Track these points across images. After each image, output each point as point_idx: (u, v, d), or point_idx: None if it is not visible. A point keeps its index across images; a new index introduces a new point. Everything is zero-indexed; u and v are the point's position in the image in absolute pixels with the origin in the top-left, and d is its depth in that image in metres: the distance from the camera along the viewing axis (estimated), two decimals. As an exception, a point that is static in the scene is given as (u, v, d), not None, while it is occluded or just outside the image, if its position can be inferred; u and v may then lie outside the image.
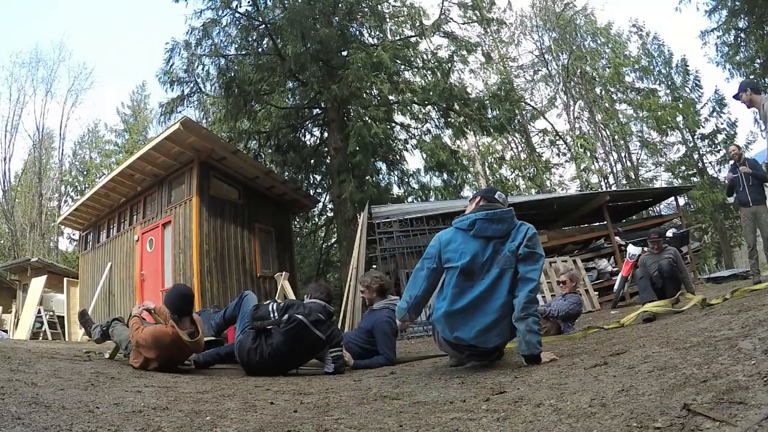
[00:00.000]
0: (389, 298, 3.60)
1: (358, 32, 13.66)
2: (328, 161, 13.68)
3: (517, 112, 17.83)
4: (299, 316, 3.00)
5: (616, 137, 24.37)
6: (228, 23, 12.46)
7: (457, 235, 2.44)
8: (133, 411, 1.58)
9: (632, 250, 7.11)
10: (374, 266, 8.89)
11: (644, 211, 14.19)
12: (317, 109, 13.73)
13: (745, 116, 38.83)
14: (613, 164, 25.28)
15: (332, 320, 3.27)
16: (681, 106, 22.06)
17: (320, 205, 15.41)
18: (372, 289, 3.61)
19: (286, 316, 3.01)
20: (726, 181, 6.31)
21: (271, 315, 3.08)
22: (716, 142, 21.85)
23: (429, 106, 13.28)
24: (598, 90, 24.74)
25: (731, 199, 6.13)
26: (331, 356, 3.09)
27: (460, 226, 2.46)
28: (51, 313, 10.93)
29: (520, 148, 25.11)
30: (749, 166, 5.66)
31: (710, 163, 22.31)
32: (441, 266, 2.42)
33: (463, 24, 15.07)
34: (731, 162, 6.13)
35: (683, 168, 23.20)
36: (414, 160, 63.35)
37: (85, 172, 26.56)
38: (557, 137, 24.14)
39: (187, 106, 12.92)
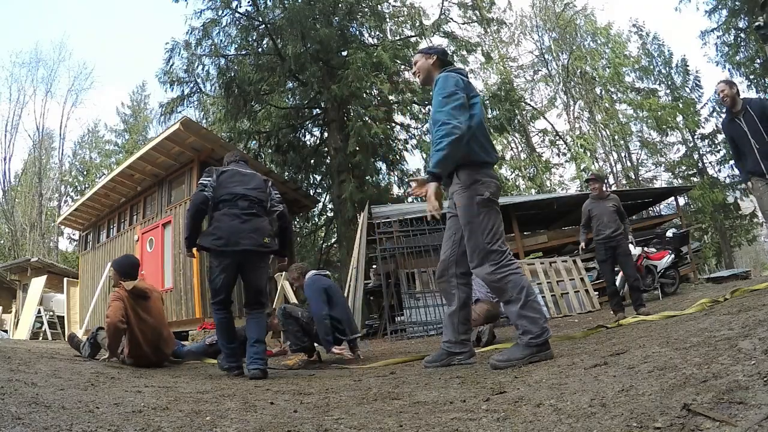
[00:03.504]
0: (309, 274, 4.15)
1: (358, 32, 13.67)
2: (328, 161, 13.68)
3: (517, 112, 17.79)
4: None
5: (616, 137, 24.41)
6: (228, 23, 12.47)
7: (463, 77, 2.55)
8: (133, 411, 1.58)
9: (632, 250, 7.12)
10: (374, 266, 8.90)
11: (644, 211, 14.21)
12: (317, 109, 13.73)
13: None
14: (613, 164, 25.34)
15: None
16: (681, 106, 22.10)
17: (320, 205, 15.41)
18: (296, 278, 4.14)
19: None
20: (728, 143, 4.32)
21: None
22: (716, 142, 21.87)
23: (429, 106, 13.26)
24: (598, 90, 24.78)
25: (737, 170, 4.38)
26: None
27: (462, 72, 2.59)
28: (51, 313, 10.94)
29: (520, 148, 25.15)
30: (754, 110, 3.85)
31: (710, 163, 22.35)
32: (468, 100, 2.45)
33: (463, 24, 15.10)
34: (724, 110, 4.25)
35: (683, 168, 23.23)
36: (414, 160, 63.39)
37: (85, 172, 26.59)
38: (557, 137, 24.20)
39: (187, 106, 12.95)
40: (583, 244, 5.33)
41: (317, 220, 16.95)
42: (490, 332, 4.31)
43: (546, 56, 25.74)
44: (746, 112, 3.86)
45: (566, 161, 24.27)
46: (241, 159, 3.57)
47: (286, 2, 12.09)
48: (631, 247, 7.10)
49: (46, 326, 10.52)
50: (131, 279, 3.62)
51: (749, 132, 3.80)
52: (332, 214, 14.91)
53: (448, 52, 2.79)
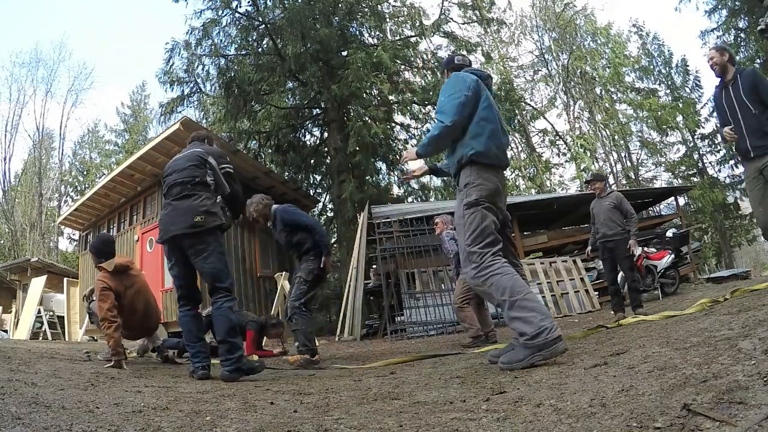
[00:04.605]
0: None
1: (358, 32, 13.69)
2: (328, 161, 13.70)
3: (517, 112, 17.84)
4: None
5: (616, 137, 24.41)
6: (228, 23, 12.50)
7: (477, 78, 2.56)
8: (133, 411, 1.58)
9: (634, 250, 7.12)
10: (374, 266, 8.90)
11: (644, 211, 14.20)
12: (317, 109, 13.74)
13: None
14: (613, 164, 25.33)
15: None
16: (681, 106, 22.08)
17: (320, 205, 15.42)
18: (263, 207, 4.00)
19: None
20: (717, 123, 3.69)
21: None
22: (716, 142, 21.86)
23: (429, 106, 13.30)
24: (598, 90, 24.77)
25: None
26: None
27: (479, 74, 2.61)
28: (51, 313, 10.93)
29: (520, 148, 25.13)
30: (744, 81, 3.38)
31: (710, 163, 22.33)
32: (476, 99, 2.45)
33: (463, 24, 15.11)
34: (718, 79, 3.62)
35: (683, 168, 23.22)
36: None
37: (85, 172, 26.59)
38: (557, 137, 24.20)
39: (187, 106, 12.97)
40: (589, 247, 5.38)
41: (317, 220, 16.96)
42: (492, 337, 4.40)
43: (546, 56, 25.74)
44: (735, 81, 3.44)
45: (566, 161, 24.29)
46: (195, 139, 3.35)
47: (286, 2, 12.09)
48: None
49: (46, 326, 10.51)
50: (109, 257, 3.61)
51: (737, 104, 3.39)
52: (332, 214, 14.93)
53: (458, 57, 2.82)
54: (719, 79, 3.58)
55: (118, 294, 3.43)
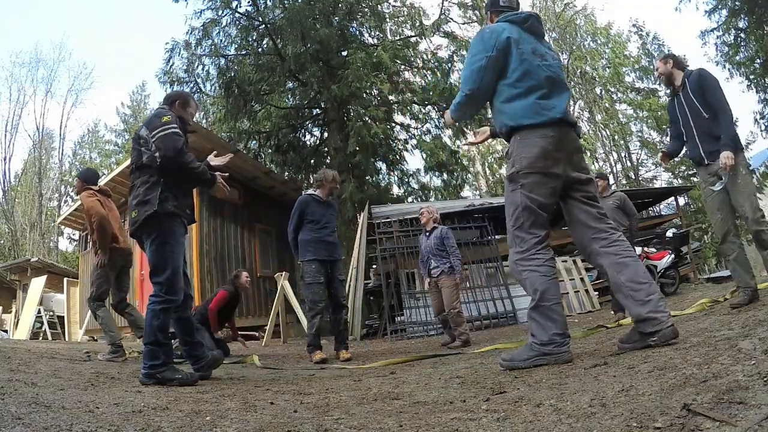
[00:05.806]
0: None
1: (358, 32, 13.68)
2: (328, 161, 13.69)
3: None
4: None
5: (616, 137, 24.42)
6: (228, 23, 12.49)
7: (513, 28, 2.22)
8: (133, 411, 1.58)
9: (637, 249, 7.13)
10: (374, 266, 8.90)
11: (644, 211, 14.20)
12: (317, 109, 13.74)
13: (745, 115, 38.87)
14: (613, 164, 25.34)
15: None
16: (681, 106, 22.10)
17: (320, 205, 15.36)
18: (335, 180, 4.71)
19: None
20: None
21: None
22: (716, 142, 21.86)
23: (429, 106, 13.29)
24: (598, 90, 24.78)
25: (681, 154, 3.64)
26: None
27: (514, 20, 2.26)
28: (51, 313, 10.94)
29: (520, 148, 25.13)
30: (691, 84, 3.23)
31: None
32: (504, 57, 2.15)
33: (463, 24, 15.14)
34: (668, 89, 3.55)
35: (683, 168, 23.21)
36: (414, 160, 63.33)
37: (85, 172, 26.61)
38: (557, 137, 24.17)
39: (187, 107, 12.93)
40: None
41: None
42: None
43: (546, 56, 25.74)
44: (684, 87, 3.27)
45: (566, 161, 24.28)
46: (163, 103, 2.89)
47: (286, 2, 12.09)
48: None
49: (46, 326, 10.52)
50: (92, 183, 4.41)
51: (688, 110, 3.23)
52: (332, 214, 14.91)
53: None
54: (670, 89, 3.47)
55: (102, 205, 4.18)
